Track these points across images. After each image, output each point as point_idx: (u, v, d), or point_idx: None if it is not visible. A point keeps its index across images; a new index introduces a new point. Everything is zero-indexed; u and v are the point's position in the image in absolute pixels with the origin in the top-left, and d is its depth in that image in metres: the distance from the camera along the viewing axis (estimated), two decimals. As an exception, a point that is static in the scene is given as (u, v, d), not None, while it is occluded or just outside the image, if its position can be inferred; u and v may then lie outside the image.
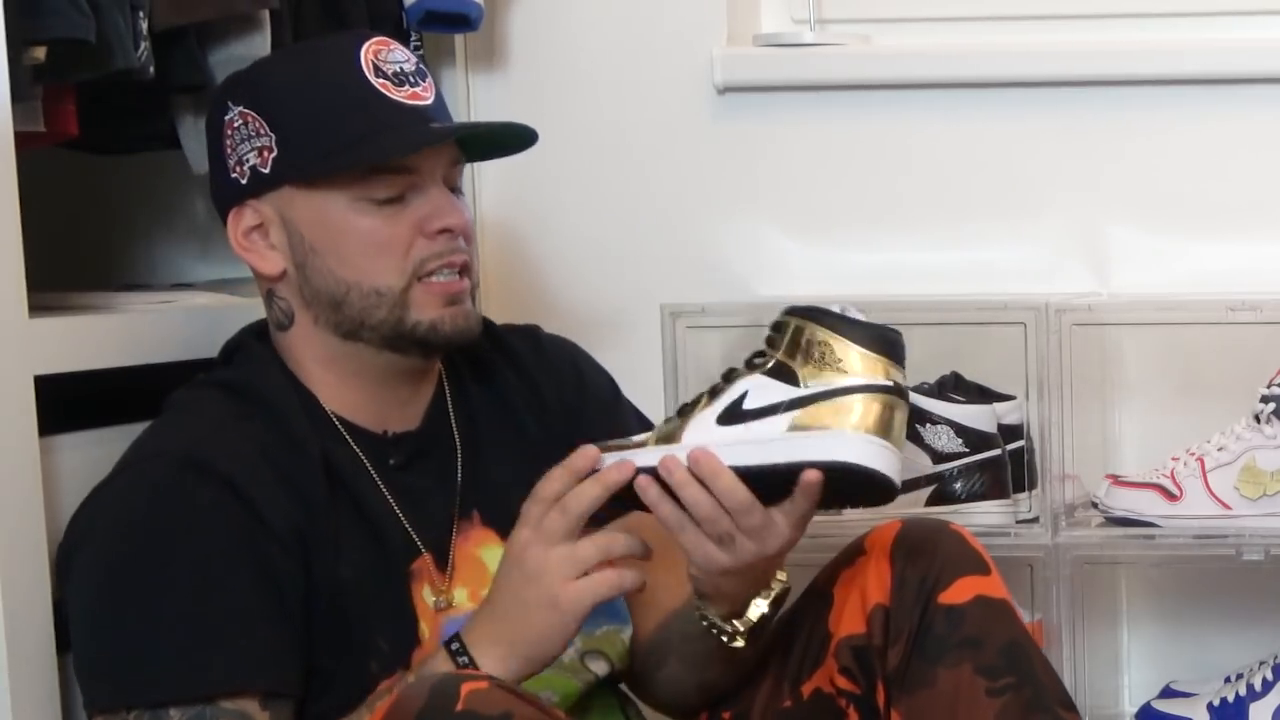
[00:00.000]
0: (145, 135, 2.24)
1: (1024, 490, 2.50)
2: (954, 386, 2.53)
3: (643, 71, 2.72)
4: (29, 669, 1.82)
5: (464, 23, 2.52)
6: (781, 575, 1.96)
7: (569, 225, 2.73)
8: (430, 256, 1.93)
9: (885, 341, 1.85)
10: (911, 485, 2.51)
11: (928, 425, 2.50)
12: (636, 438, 1.90)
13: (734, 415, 1.86)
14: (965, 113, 2.67)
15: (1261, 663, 2.52)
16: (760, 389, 1.86)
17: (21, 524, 1.82)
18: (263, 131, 1.91)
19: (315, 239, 1.91)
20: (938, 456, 2.50)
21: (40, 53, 1.85)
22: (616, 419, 2.10)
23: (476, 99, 2.72)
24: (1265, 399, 2.44)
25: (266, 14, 2.16)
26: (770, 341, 1.89)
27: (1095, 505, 2.49)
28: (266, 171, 1.91)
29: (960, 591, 1.94)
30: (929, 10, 2.75)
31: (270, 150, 1.91)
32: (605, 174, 2.74)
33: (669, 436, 1.87)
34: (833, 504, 1.90)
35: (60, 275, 2.23)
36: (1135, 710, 2.57)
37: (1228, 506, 2.43)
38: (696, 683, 2.03)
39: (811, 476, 1.81)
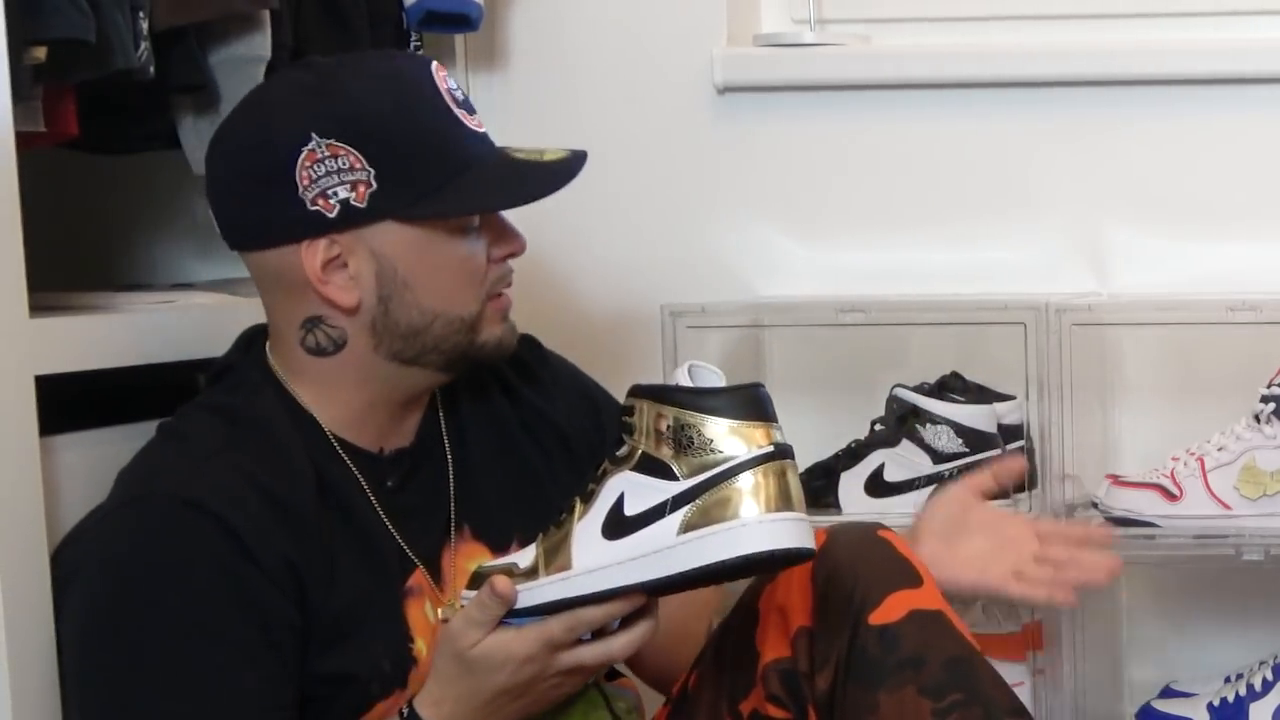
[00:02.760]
0: (145, 135, 2.24)
1: (1024, 490, 2.50)
2: (954, 386, 2.54)
3: (643, 72, 2.72)
4: (29, 669, 1.82)
5: (464, 23, 2.52)
6: None
7: (569, 225, 2.73)
8: (498, 279, 1.96)
9: (751, 403, 1.75)
10: (911, 485, 2.51)
11: (928, 425, 2.50)
12: (522, 558, 1.82)
13: (619, 525, 1.76)
14: (965, 113, 2.67)
15: (1261, 663, 2.52)
16: (636, 489, 1.76)
17: (21, 524, 1.82)
18: (358, 166, 1.87)
19: (410, 272, 1.90)
20: (938, 456, 2.50)
21: (40, 53, 1.85)
22: None
23: (476, 99, 2.69)
24: (1265, 399, 2.44)
25: (266, 14, 2.16)
26: (626, 428, 1.78)
27: (1095, 505, 2.49)
28: (363, 206, 1.87)
29: (892, 609, 1.88)
30: (929, 10, 2.75)
31: (368, 185, 1.87)
32: (605, 174, 2.74)
33: (555, 551, 1.79)
34: (736, 579, 1.83)
35: (60, 275, 2.23)
36: (1135, 710, 2.57)
37: (1228, 506, 2.43)
38: None
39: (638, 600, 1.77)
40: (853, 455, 2.54)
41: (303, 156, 1.87)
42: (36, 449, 1.84)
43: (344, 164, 1.87)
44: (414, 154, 1.89)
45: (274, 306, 1.95)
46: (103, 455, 1.92)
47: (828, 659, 1.88)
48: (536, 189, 1.95)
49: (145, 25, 1.97)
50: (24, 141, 1.86)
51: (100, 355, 1.97)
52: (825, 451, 2.56)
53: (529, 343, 2.13)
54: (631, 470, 1.76)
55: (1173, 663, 2.66)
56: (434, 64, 1.95)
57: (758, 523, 1.72)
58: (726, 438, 1.73)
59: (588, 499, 1.79)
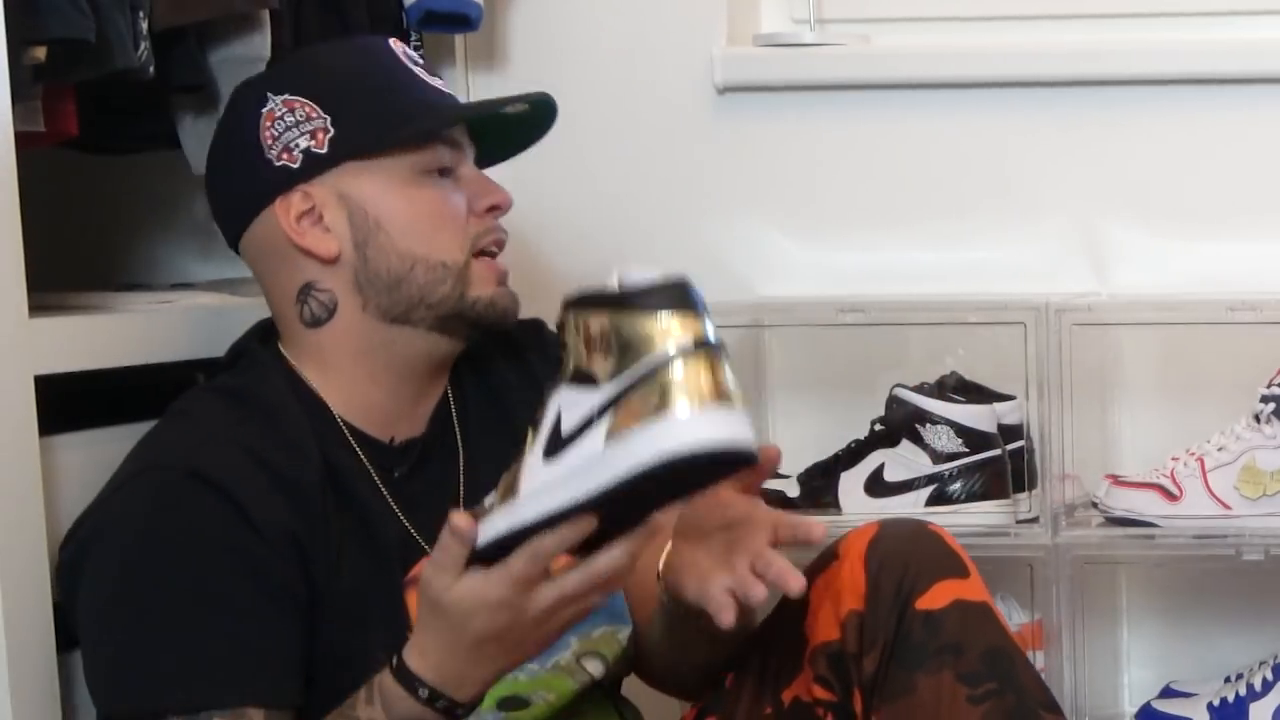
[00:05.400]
0: (145, 135, 2.24)
1: (1024, 490, 2.50)
2: (954, 386, 2.53)
3: (643, 71, 2.72)
4: (29, 669, 1.82)
5: (464, 23, 2.52)
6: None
7: (569, 225, 2.73)
8: (484, 233, 1.99)
9: (672, 295, 1.60)
10: (911, 485, 2.51)
11: (928, 425, 2.50)
12: (490, 497, 1.69)
13: (557, 445, 1.63)
14: (965, 113, 2.67)
15: (1261, 663, 2.52)
16: (571, 405, 1.62)
17: (21, 524, 1.82)
18: (314, 115, 1.93)
19: (380, 212, 1.93)
20: (937, 456, 2.50)
21: (40, 53, 1.85)
22: None
23: (476, 99, 2.72)
24: (1265, 399, 2.44)
25: (266, 14, 2.16)
26: (561, 345, 1.65)
27: (1095, 505, 2.49)
28: (324, 152, 1.93)
29: (938, 596, 1.90)
30: (929, 10, 2.75)
31: (326, 131, 1.93)
32: (605, 174, 2.74)
33: (510, 488, 1.67)
34: (694, 492, 1.67)
35: (60, 275, 2.23)
36: (1135, 710, 2.57)
37: (1228, 506, 2.43)
38: (689, 666, 2.04)
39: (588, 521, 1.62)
40: (853, 455, 2.54)
41: (263, 119, 1.94)
42: (36, 449, 1.84)
43: (301, 115, 1.93)
44: (368, 95, 1.95)
45: (271, 288, 1.98)
46: (103, 455, 1.92)
47: (875, 641, 1.90)
48: (483, 107, 2.02)
49: (145, 25, 1.97)
50: (24, 141, 1.86)
51: (100, 355, 1.98)
52: (825, 451, 2.56)
53: (534, 327, 2.13)
54: (566, 386, 1.63)
55: (1173, 663, 2.66)
56: (392, 37, 2.03)
57: (686, 418, 1.56)
58: (653, 335, 1.58)
59: (536, 425, 1.67)
